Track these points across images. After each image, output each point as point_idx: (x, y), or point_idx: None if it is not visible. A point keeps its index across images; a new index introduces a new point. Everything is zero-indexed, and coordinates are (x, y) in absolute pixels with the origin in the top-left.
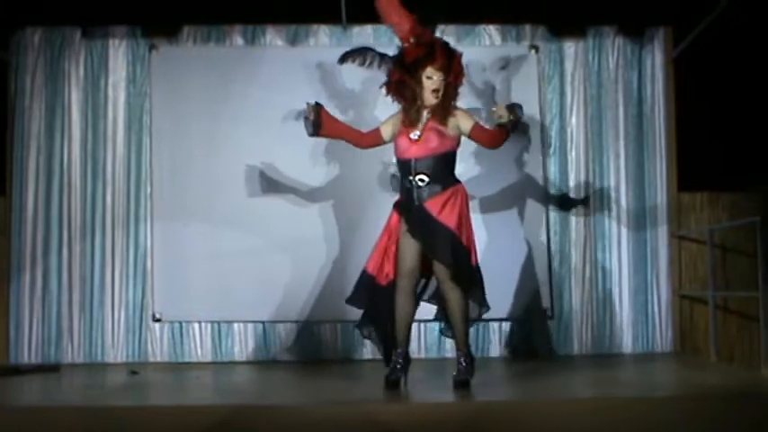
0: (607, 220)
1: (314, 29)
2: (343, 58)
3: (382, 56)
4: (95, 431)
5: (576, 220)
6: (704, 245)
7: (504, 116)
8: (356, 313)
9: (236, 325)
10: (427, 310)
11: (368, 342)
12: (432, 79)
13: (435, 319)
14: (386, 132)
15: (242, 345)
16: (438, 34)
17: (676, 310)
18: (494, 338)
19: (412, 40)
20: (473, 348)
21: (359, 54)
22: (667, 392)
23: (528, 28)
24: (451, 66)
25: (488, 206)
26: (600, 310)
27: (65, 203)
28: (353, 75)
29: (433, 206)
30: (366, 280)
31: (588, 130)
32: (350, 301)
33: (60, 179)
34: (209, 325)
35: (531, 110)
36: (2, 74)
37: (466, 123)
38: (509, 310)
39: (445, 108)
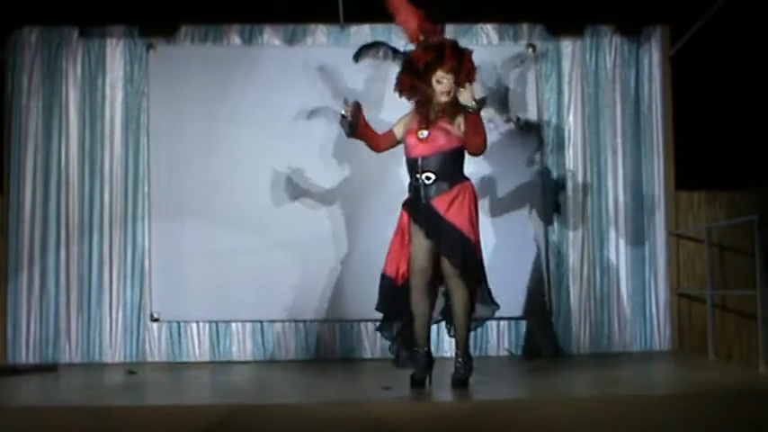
0: (605, 218)
1: (311, 28)
2: (358, 55)
3: (395, 50)
4: (93, 431)
5: (573, 219)
6: (702, 243)
7: (469, 100)
8: (355, 312)
9: (233, 324)
10: None
11: (366, 341)
12: (442, 83)
13: (443, 319)
14: (398, 132)
15: (240, 344)
16: None
17: (674, 308)
18: (492, 338)
19: (421, 38)
20: (471, 347)
21: (373, 49)
22: (666, 391)
23: (525, 27)
24: (461, 66)
25: (485, 205)
26: (598, 308)
27: (62, 203)
28: (353, 74)
29: (440, 204)
30: (387, 283)
31: (586, 129)
32: (378, 308)
33: (58, 178)
34: (207, 325)
35: (528, 109)
36: None
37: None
38: (508, 309)
39: (455, 107)
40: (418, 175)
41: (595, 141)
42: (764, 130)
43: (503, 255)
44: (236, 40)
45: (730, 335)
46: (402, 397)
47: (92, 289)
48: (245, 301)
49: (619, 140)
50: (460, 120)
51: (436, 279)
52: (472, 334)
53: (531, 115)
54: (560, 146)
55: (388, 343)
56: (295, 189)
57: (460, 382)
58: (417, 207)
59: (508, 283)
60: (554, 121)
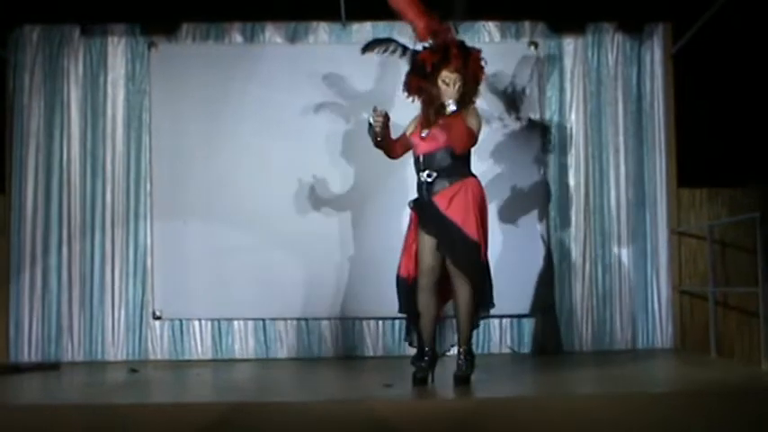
0: (607, 216)
1: (313, 26)
2: (367, 48)
3: (405, 48)
4: (96, 429)
5: (575, 216)
6: (704, 241)
7: (452, 99)
8: (357, 310)
9: (236, 322)
10: None
11: (368, 339)
12: (448, 84)
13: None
14: (409, 134)
15: (242, 342)
16: None
17: (676, 305)
18: (494, 335)
19: (429, 39)
20: (474, 345)
21: (383, 44)
22: (667, 388)
23: (527, 24)
24: (468, 65)
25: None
26: (600, 306)
27: (64, 201)
28: (355, 72)
29: (440, 201)
30: (401, 284)
31: (588, 127)
32: (400, 310)
33: (60, 177)
34: (209, 322)
35: (530, 106)
36: (1, 72)
37: (469, 121)
38: (510, 306)
39: (461, 105)
40: (421, 173)
41: (597, 139)
42: (766, 128)
43: (504, 252)
44: (238, 38)
45: (732, 332)
46: (404, 394)
47: (94, 287)
48: (247, 299)
49: (621, 138)
50: (466, 115)
51: (445, 277)
52: (474, 331)
53: (533, 113)
54: (562, 143)
55: (389, 341)
56: (297, 187)
57: (463, 380)
58: (422, 205)
59: (510, 280)
60: (556, 118)
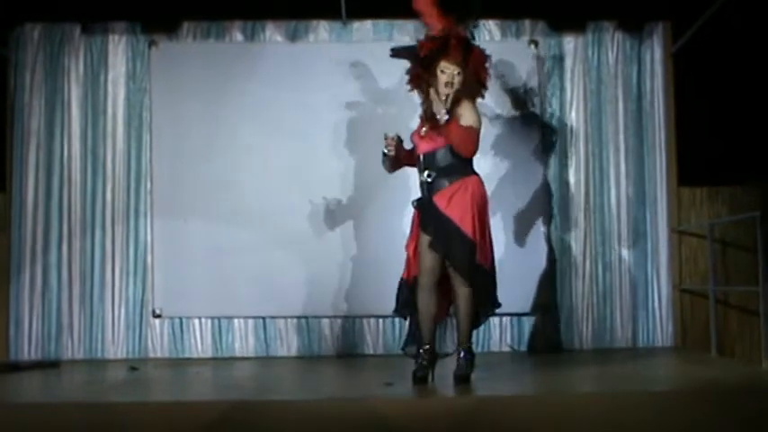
0: (607, 214)
1: (314, 24)
2: (396, 54)
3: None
4: (95, 427)
5: (576, 215)
6: (704, 239)
7: (437, 107)
8: (357, 308)
9: (236, 320)
10: None
11: (369, 337)
12: (445, 73)
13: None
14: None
15: (242, 340)
16: None
17: (677, 304)
18: (494, 333)
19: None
20: (473, 343)
21: (409, 52)
22: (668, 387)
23: (527, 23)
24: (468, 59)
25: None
26: (600, 304)
27: (65, 199)
28: (356, 70)
29: (440, 200)
30: (402, 285)
31: (588, 125)
32: (395, 311)
33: (60, 175)
34: (209, 321)
35: (530, 105)
36: (1, 70)
37: (464, 120)
38: (510, 304)
39: (456, 101)
40: (421, 173)
41: (597, 138)
42: (766, 126)
43: (504, 251)
44: (239, 36)
45: (733, 331)
46: (404, 393)
47: (94, 285)
48: (247, 298)
49: (621, 136)
50: (459, 114)
51: (447, 278)
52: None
53: (534, 112)
54: (562, 142)
55: (389, 339)
56: (297, 185)
57: (463, 378)
58: (423, 205)
59: (510, 278)
60: (556, 117)
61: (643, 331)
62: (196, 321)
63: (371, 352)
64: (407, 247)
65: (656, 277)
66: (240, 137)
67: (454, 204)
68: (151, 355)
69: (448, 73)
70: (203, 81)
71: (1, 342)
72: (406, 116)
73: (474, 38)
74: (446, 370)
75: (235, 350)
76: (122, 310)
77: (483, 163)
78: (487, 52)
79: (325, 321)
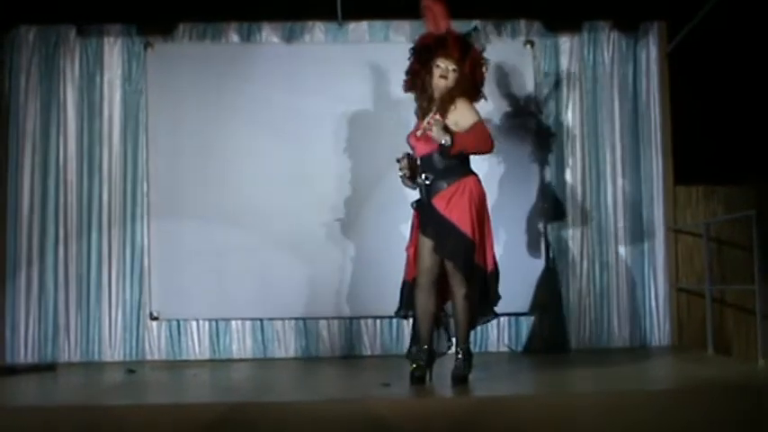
0: (603, 214)
1: (309, 25)
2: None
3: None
4: (93, 430)
5: (572, 215)
6: (700, 238)
7: (440, 135)
8: (355, 309)
9: (233, 322)
10: None
11: (366, 338)
12: (440, 67)
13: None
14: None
15: (240, 342)
16: None
17: (673, 303)
18: (492, 334)
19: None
20: (471, 344)
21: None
22: (665, 385)
23: (523, 23)
24: (465, 58)
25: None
26: (597, 304)
27: (61, 202)
28: (352, 71)
29: (439, 202)
30: (404, 287)
31: (584, 125)
32: (396, 313)
33: (56, 177)
34: (206, 323)
35: (526, 105)
36: None
37: (464, 119)
38: (508, 304)
39: (450, 100)
40: (419, 176)
41: (593, 137)
42: (762, 125)
43: (501, 251)
44: (234, 37)
45: (729, 329)
46: (402, 394)
47: (91, 287)
48: (244, 299)
49: (617, 136)
50: (456, 117)
51: (444, 277)
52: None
53: (530, 112)
54: (559, 142)
55: (387, 340)
56: (293, 186)
57: (460, 379)
58: (422, 207)
59: (508, 278)
60: (552, 117)
61: (640, 330)
62: (193, 323)
63: (369, 353)
64: (408, 248)
65: (652, 276)
66: (236, 138)
67: (453, 206)
68: (148, 357)
69: (443, 67)
70: (199, 82)
71: None
72: (403, 117)
73: (473, 39)
74: (444, 370)
75: (232, 352)
76: (119, 313)
77: (480, 163)
78: (486, 55)
79: (323, 322)
